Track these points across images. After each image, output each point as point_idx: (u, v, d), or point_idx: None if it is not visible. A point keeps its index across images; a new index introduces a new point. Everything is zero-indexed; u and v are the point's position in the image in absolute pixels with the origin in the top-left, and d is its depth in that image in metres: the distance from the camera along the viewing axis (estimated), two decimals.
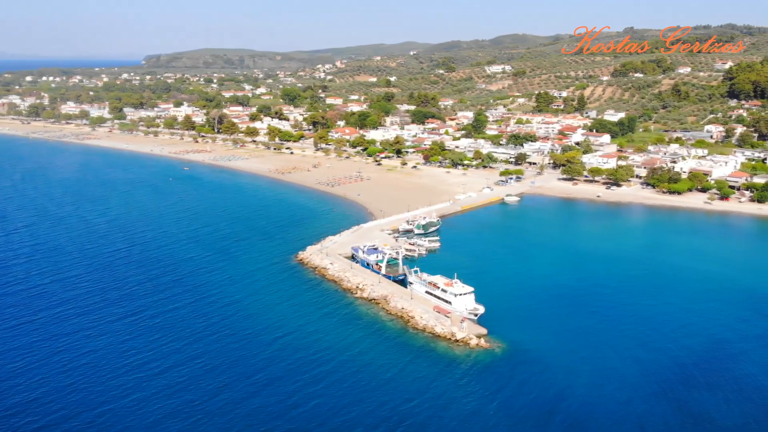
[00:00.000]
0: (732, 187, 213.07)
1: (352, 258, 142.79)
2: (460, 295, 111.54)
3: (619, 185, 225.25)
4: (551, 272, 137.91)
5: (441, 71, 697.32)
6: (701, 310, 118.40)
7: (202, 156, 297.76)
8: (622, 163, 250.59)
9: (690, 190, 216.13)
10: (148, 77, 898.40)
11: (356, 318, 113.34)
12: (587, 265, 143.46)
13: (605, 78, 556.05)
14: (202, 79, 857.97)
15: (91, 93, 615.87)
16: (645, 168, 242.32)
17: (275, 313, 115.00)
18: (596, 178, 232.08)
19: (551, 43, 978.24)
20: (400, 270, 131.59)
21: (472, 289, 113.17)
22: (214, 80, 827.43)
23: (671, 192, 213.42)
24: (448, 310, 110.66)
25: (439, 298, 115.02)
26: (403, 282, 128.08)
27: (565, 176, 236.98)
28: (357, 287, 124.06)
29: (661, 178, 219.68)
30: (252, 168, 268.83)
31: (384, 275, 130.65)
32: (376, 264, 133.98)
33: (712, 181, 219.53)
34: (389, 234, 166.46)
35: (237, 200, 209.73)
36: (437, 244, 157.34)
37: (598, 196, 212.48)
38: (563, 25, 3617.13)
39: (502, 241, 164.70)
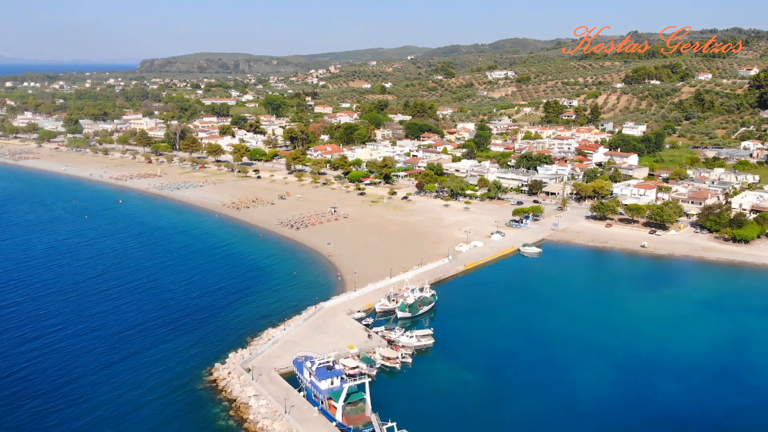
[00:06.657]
0: None
1: (295, 378, 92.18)
2: None
3: (665, 228, 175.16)
4: (607, 406, 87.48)
5: (440, 77, 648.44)
6: None
7: (148, 182, 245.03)
8: (664, 195, 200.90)
9: (759, 236, 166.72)
10: (134, 82, 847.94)
11: None
12: (655, 387, 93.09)
13: (618, 85, 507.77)
14: (189, 85, 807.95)
15: (61, 101, 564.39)
16: (693, 202, 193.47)
17: None
18: (635, 218, 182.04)
19: (553, 48, 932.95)
20: (367, 414, 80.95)
21: None
22: (202, 86, 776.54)
23: (736, 240, 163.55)
24: None
25: None
26: None
27: (594, 213, 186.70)
28: None
29: (720, 221, 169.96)
30: (203, 200, 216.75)
31: (339, 425, 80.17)
32: (329, 400, 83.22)
33: None
34: (360, 318, 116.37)
35: (161, 257, 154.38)
36: (430, 341, 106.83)
37: (643, 246, 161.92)
38: (564, 29, 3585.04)
39: (522, 334, 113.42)
